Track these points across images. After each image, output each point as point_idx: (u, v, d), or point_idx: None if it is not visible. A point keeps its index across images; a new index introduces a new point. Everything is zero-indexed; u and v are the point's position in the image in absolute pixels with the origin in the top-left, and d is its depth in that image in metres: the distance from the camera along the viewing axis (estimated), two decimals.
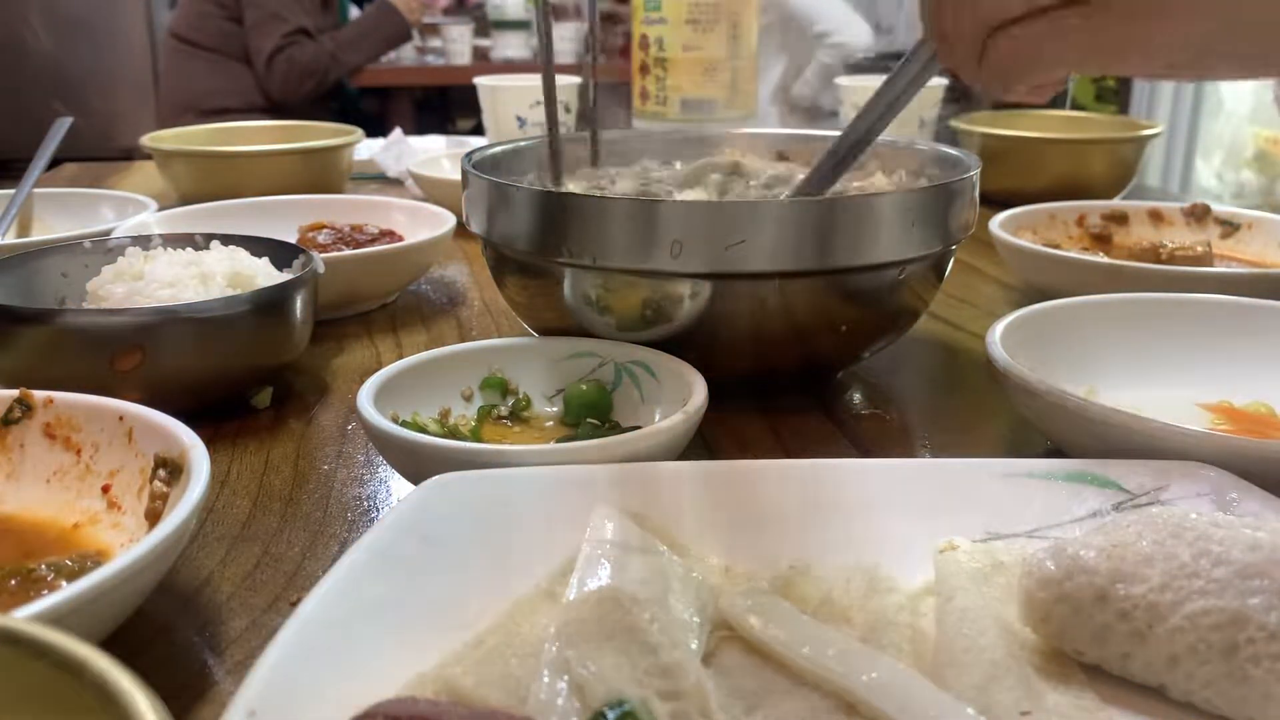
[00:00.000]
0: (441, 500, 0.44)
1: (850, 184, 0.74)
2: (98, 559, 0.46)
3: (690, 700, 0.33)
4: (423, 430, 0.55)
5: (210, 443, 0.50)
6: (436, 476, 0.45)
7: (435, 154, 1.30)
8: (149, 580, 0.41)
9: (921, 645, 0.39)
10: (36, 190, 1.02)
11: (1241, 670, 0.35)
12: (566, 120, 1.38)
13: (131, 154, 1.50)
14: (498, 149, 0.76)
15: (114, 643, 0.40)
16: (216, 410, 0.65)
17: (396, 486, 0.57)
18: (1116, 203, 0.99)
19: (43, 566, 0.45)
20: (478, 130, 1.57)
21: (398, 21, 2.90)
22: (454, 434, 0.58)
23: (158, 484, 0.47)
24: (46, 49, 4.48)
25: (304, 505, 0.55)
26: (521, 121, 1.37)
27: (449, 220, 0.89)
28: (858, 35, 2.37)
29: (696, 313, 0.61)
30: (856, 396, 0.69)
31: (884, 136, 0.79)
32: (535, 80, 1.42)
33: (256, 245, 0.73)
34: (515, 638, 0.38)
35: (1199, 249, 0.87)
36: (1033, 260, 0.83)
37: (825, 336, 0.64)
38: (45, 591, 0.42)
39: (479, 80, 1.41)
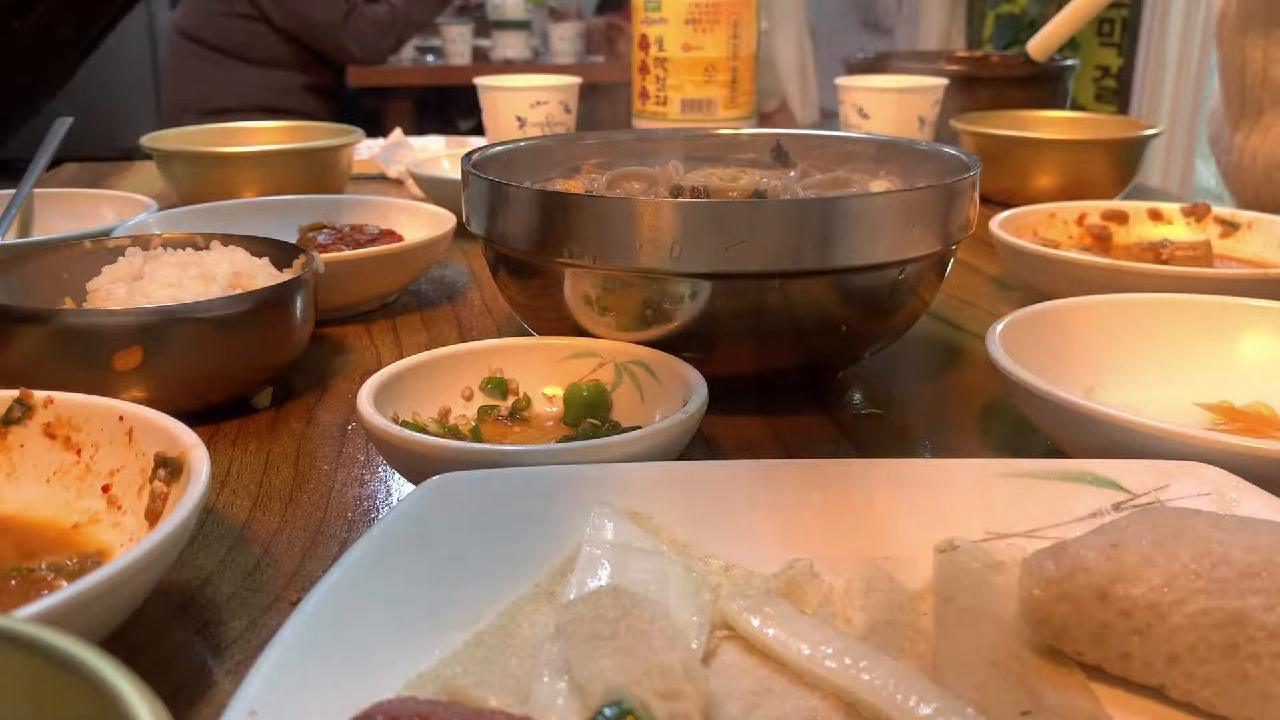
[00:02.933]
0: (441, 500, 0.44)
1: (850, 184, 0.74)
2: (98, 559, 0.46)
3: (690, 700, 0.33)
4: (423, 430, 0.55)
5: (210, 443, 0.50)
6: (436, 476, 0.45)
7: (435, 154, 1.30)
8: (149, 580, 0.41)
9: (921, 645, 0.39)
10: (36, 190, 1.02)
11: (1241, 670, 0.35)
12: (566, 120, 1.38)
13: (131, 154, 1.50)
14: (498, 149, 0.76)
15: (114, 643, 0.40)
16: (216, 410, 0.65)
17: (396, 486, 0.57)
18: (1116, 202, 0.99)
19: (43, 566, 0.45)
20: (478, 130, 1.57)
21: None
22: (454, 434, 0.58)
23: (158, 484, 0.47)
24: None
25: (304, 505, 0.55)
26: (521, 121, 1.37)
27: (449, 220, 0.89)
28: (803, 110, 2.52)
29: (696, 313, 0.61)
30: (856, 396, 0.69)
31: (884, 136, 0.79)
32: (535, 80, 1.42)
33: (256, 245, 0.73)
34: (515, 638, 0.38)
35: (1199, 249, 0.87)
36: (1033, 260, 0.83)
37: (825, 336, 0.64)
38: (45, 591, 0.42)
39: (479, 80, 1.41)
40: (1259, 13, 1.12)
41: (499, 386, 0.62)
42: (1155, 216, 0.96)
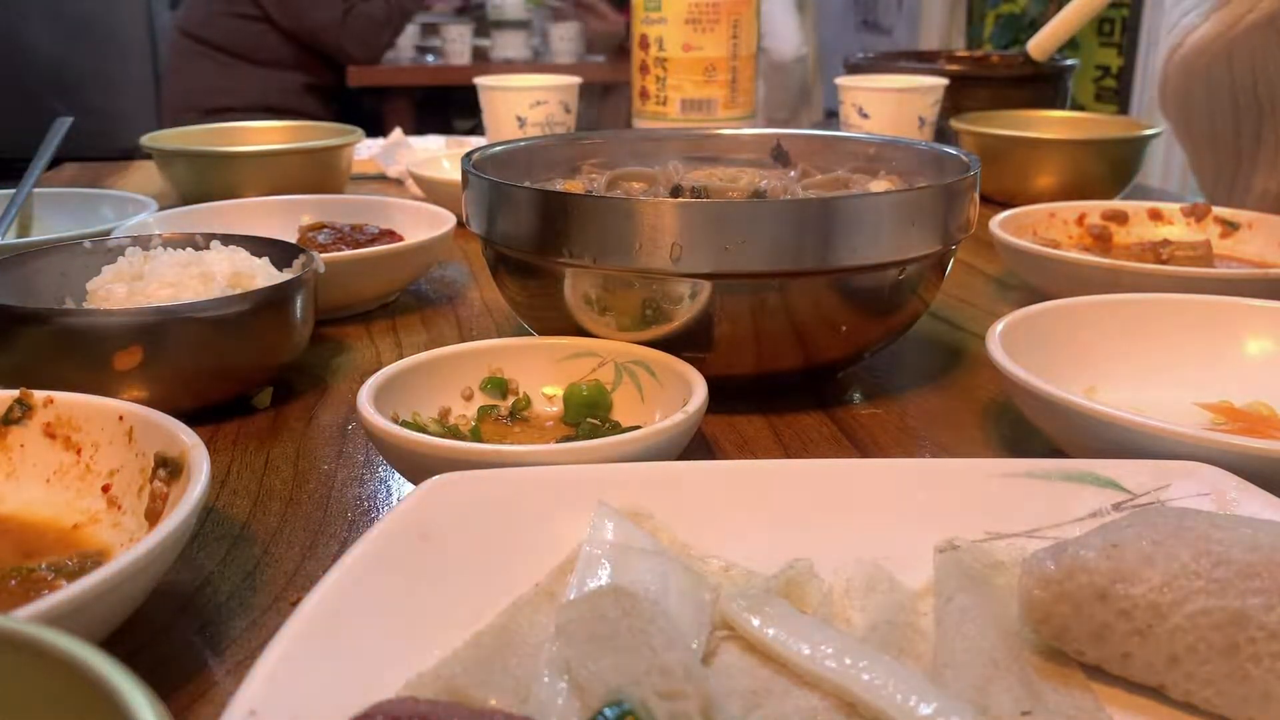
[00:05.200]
0: (441, 500, 0.44)
1: (850, 184, 0.74)
2: (98, 559, 0.46)
3: (690, 700, 0.33)
4: (423, 430, 0.55)
5: (210, 443, 0.50)
6: (436, 476, 0.45)
7: (435, 154, 1.30)
8: (149, 580, 0.41)
9: (921, 645, 0.39)
10: (36, 190, 1.02)
11: (1242, 670, 0.35)
12: (566, 120, 1.38)
13: (131, 154, 1.50)
14: (498, 149, 0.76)
15: (114, 643, 0.40)
16: (216, 410, 0.65)
17: (396, 486, 0.57)
18: (1116, 203, 0.99)
19: (43, 566, 0.45)
20: (477, 130, 1.57)
21: None
22: (454, 434, 0.58)
23: (158, 484, 0.47)
24: (46, 49, 4.48)
25: (304, 505, 0.55)
26: (521, 121, 1.36)
27: (449, 220, 0.89)
28: (781, 44, 2.51)
29: (696, 313, 0.61)
30: (856, 396, 0.69)
31: (884, 136, 0.79)
32: (535, 80, 1.42)
33: (256, 245, 0.73)
34: (515, 638, 0.38)
35: (1199, 249, 0.87)
36: (1033, 260, 0.83)
37: (825, 336, 0.64)
38: (45, 591, 0.42)
39: (479, 80, 1.41)
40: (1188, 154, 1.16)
41: (499, 386, 0.62)
42: (1155, 216, 0.96)
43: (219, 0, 2.68)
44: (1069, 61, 1.51)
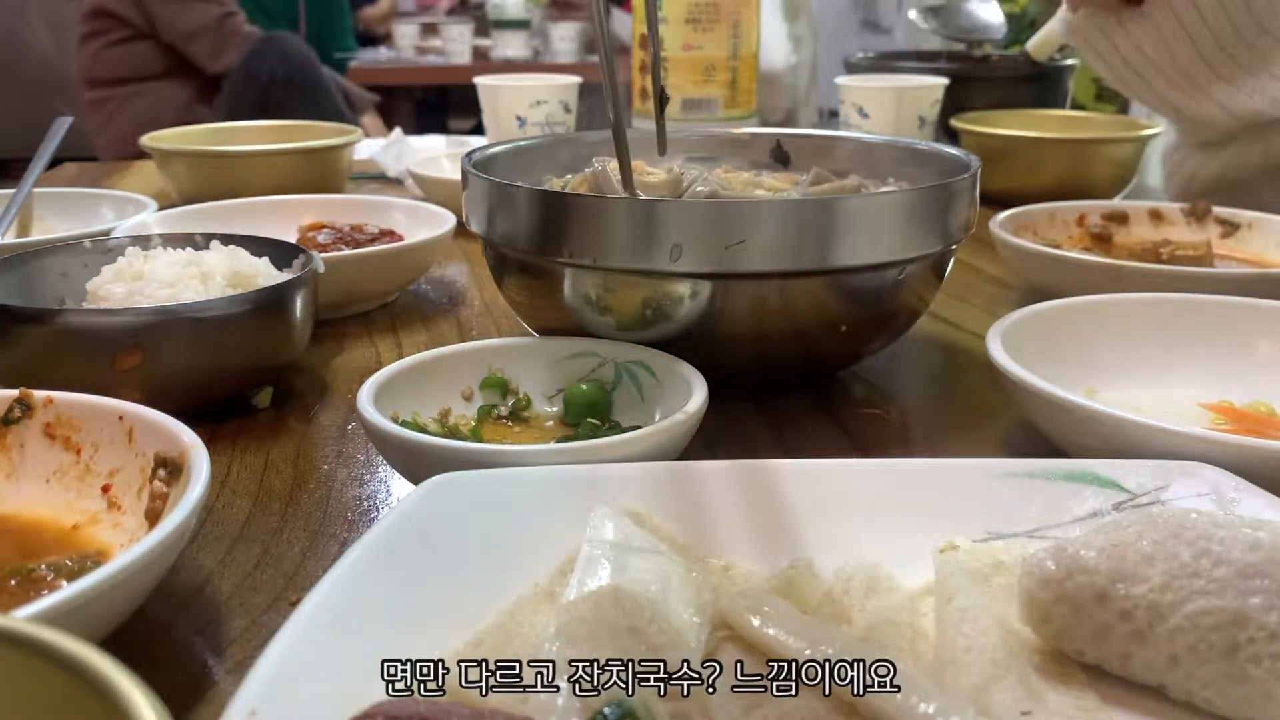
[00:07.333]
0: (441, 500, 0.44)
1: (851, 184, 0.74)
2: (98, 559, 0.46)
3: (690, 700, 0.33)
4: (423, 430, 0.55)
5: (210, 443, 0.50)
6: (436, 476, 0.45)
7: (435, 154, 1.30)
8: (149, 580, 0.41)
9: (921, 645, 0.39)
10: (36, 190, 1.02)
11: (1241, 670, 0.35)
12: (566, 120, 1.38)
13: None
14: (498, 149, 0.76)
15: (114, 643, 0.40)
16: (216, 410, 0.65)
17: (396, 486, 0.57)
18: (1116, 203, 0.99)
19: (43, 566, 0.45)
20: (478, 130, 1.57)
21: None
22: (454, 434, 0.58)
23: (158, 484, 0.47)
24: (46, 49, 4.49)
25: (304, 505, 0.55)
26: (521, 121, 1.36)
27: (449, 220, 0.89)
28: (769, 53, 2.51)
29: (696, 313, 0.61)
30: (856, 396, 0.69)
31: (883, 137, 0.79)
32: (535, 80, 1.42)
33: (256, 245, 0.73)
34: (515, 638, 0.38)
35: (1199, 249, 0.87)
36: (1033, 260, 0.83)
37: (825, 336, 0.64)
38: (45, 591, 0.42)
39: (479, 80, 1.41)
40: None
41: (499, 386, 0.62)
42: (1155, 217, 0.96)
43: (96, 37, 2.63)
44: (1069, 61, 1.51)
